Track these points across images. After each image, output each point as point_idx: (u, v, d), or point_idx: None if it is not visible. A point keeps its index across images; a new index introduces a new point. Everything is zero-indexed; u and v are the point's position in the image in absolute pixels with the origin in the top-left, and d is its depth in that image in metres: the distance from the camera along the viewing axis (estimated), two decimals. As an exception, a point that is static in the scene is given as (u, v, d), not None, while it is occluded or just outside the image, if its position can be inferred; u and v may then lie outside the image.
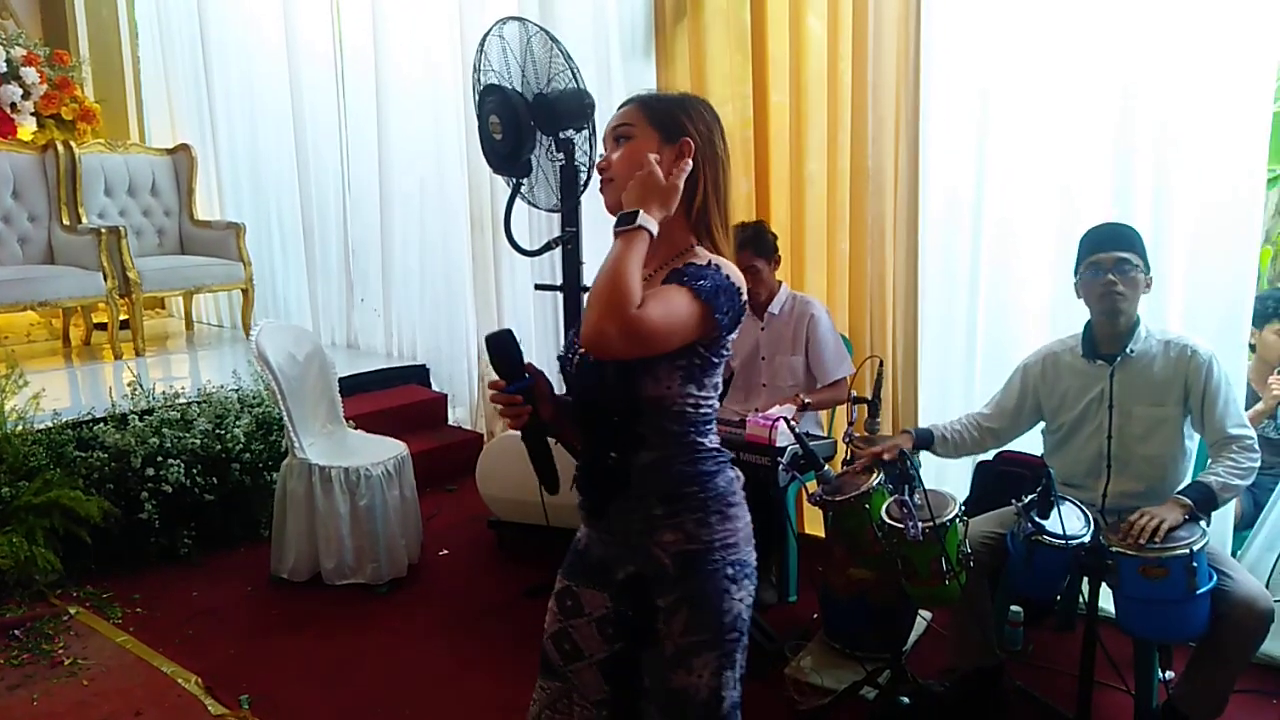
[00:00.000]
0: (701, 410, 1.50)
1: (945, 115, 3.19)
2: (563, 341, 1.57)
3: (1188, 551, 2.14)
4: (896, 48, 3.16)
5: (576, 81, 3.07)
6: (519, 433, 1.54)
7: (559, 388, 1.61)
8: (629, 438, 1.48)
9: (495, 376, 1.51)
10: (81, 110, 5.81)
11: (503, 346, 1.48)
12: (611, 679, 1.56)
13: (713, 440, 1.53)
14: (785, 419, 2.55)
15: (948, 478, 3.33)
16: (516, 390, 1.48)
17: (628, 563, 1.53)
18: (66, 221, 5.35)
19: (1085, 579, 2.34)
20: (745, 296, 1.48)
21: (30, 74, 5.46)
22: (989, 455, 3.05)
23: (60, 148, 5.36)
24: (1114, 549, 2.21)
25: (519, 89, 3.17)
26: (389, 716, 2.64)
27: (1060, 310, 3.01)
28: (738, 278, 1.47)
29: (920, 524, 2.17)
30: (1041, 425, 2.70)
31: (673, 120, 1.48)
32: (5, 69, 5.37)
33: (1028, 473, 2.88)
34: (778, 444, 2.61)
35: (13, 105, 5.41)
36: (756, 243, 3.11)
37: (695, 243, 1.51)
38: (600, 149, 1.59)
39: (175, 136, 6.20)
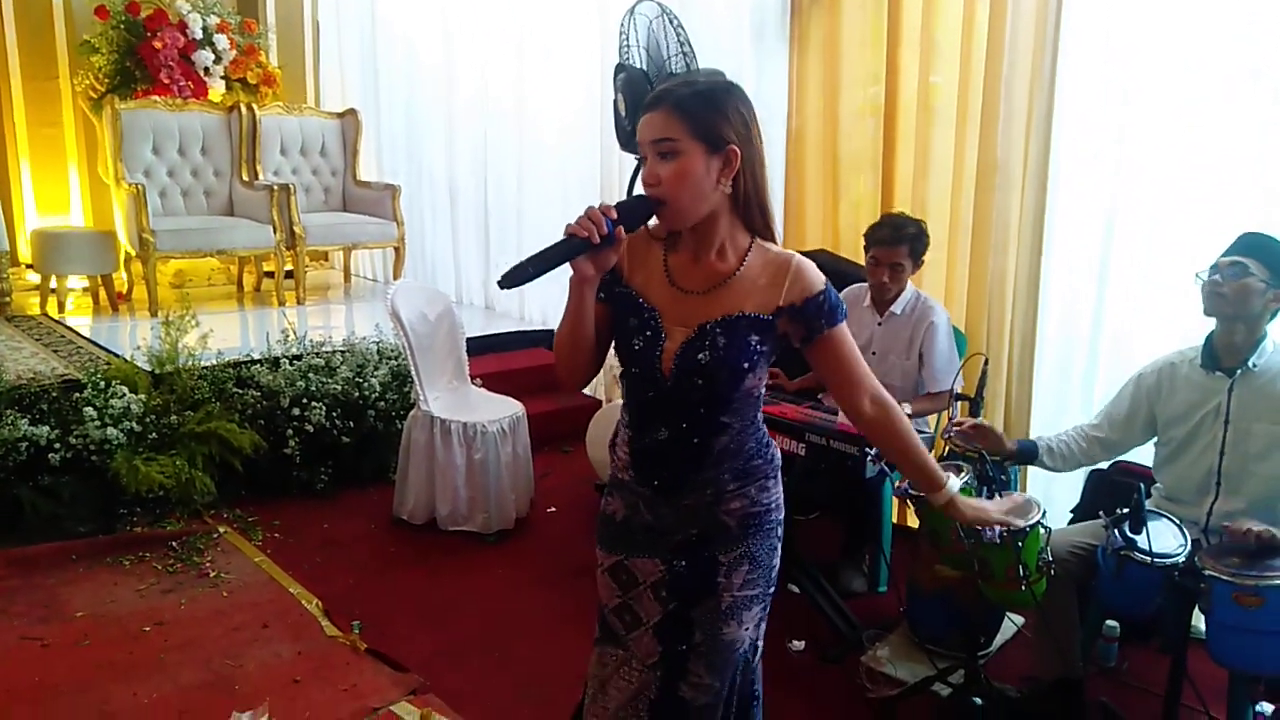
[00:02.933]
0: (763, 388, 1.61)
1: (1080, 111, 3.07)
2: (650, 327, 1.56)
3: (1288, 583, 2.03)
4: (1034, 38, 3.06)
5: (688, 63, 3.13)
6: (562, 239, 1.44)
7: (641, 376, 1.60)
8: (714, 425, 1.56)
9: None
10: (264, 75, 6.31)
11: (638, 206, 1.48)
12: (663, 638, 1.65)
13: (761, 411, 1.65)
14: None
15: (1058, 482, 3.24)
16: (612, 224, 1.43)
17: (690, 527, 1.61)
18: (245, 177, 5.86)
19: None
20: None
21: (222, 41, 5.98)
22: (1103, 464, 2.95)
23: (244, 109, 5.86)
24: (1207, 572, 2.12)
25: (644, 68, 3.27)
26: (483, 657, 2.84)
27: (1194, 322, 2.86)
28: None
29: (997, 527, 2.14)
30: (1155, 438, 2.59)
31: (714, 129, 1.45)
32: (201, 36, 5.90)
33: (1141, 484, 2.77)
34: (868, 434, 2.61)
35: (206, 69, 5.95)
36: (915, 242, 3.04)
37: (752, 237, 1.56)
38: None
39: (345, 101, 6.64)
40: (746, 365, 1.51)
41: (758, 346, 1.51)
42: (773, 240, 1.57)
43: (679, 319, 1.54)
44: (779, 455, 1.66)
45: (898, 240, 3.03)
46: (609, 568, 1.69)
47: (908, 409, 3.02)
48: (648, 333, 1.55)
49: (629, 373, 1.60)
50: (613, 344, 1.63)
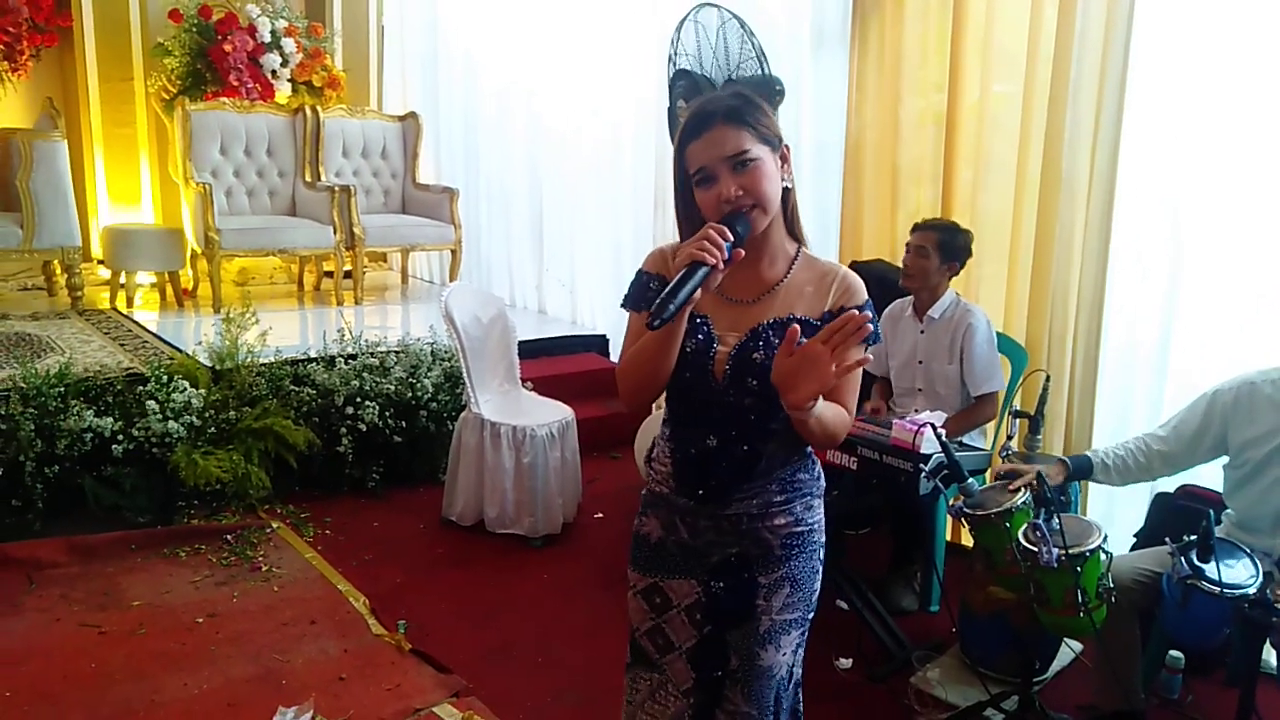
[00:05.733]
0: None
1: (1149, 121, 2.97)
2: (703, 332, 1.54)
3: (1369, 622, 1.93)
4: (1103, 46, 2.97)
5: (763, 69, 3.10)
6: (689, 266, 1.39)
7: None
8: (763, 432, 1.53)
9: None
10: (329, 78, 6.44)
11: (737, 219, 1.44)
12: (698, 665, 1.62)
13: None
14: (933, 425, 2.49)
15: (1121, 505, 3.14)
16: (730, 245, 1.40)
17: (730, 546, 1.58)
18: (308, 178, 5.97)
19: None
20: None
21: (289, 44, 6.11)
22: (1169, 487, 2.85)
23: (309, 112, 5.98)
24: (1280, 606, 2.03)
25: (709, 74, 3.24)
26: (525, 661, 2.84)
27: (1268, 340, 2.75)
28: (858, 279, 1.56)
29: (1055, 550, 2.08)
30: (1224, 460, 2.48)
31: (770, 130, 1.49)
32: (269, 39, 6.04)
33: (1211, 510, 2.66)
34: (922, 450, 2.55)
35: (273, 72, 6.08)
36: (946, 234, 3.04)
37: (798, 245, 1.57)
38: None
39: (406, 105, 6.73)
40: None
41: None
42: (804, 244, 1.59)
43: (730, 326, 1.54)
44: (823, 476, 1.64)
45: (928, 226, 3.10)
46: (642, 590, 1.66)
47: (936, 417, 2.90)
48: (699, 337, 1.53)
49: (680, 377, 1.55)
50: None
